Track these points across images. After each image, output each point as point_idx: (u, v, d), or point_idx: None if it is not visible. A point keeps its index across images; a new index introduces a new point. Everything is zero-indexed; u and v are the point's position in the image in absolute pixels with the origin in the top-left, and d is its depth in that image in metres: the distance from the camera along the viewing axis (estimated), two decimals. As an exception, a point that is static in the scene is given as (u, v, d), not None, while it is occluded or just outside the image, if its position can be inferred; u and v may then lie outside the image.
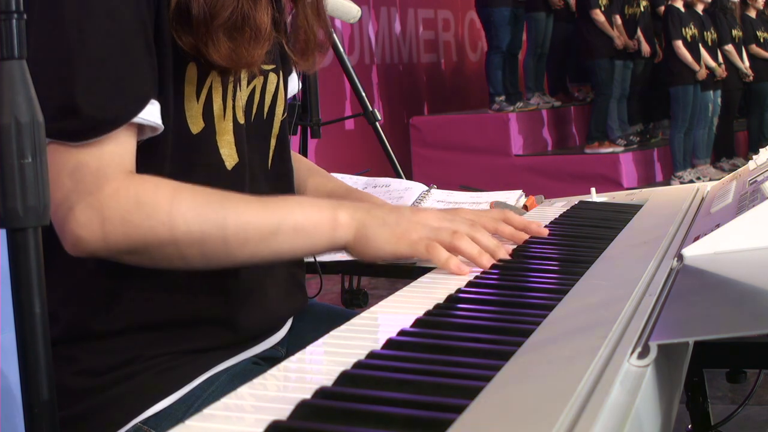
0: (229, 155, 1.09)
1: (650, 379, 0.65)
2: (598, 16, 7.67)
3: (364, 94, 3.25)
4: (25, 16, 0.82)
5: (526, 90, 8.40)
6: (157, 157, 1.02)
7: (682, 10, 7.67)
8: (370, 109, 3.23)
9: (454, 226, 1.06)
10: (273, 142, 1.19)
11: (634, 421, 0.59)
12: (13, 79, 0.83)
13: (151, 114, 0.98)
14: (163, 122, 1.01)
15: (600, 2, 7.66)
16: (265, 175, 1.17)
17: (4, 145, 0.83)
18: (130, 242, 0.96)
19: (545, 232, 1.18)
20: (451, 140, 7.91)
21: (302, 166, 1.37)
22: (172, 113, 1.02)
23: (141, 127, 1.00)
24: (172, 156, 1.02)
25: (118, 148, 0.97)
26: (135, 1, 0.97)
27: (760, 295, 0.78)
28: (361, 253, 1.06)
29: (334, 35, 2.80)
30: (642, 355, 0.66)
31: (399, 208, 1.09)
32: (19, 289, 0.85)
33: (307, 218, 1.03)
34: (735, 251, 0.93)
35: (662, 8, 7.93)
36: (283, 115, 1.20)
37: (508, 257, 1.07)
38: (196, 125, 1.05)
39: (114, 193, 0.95)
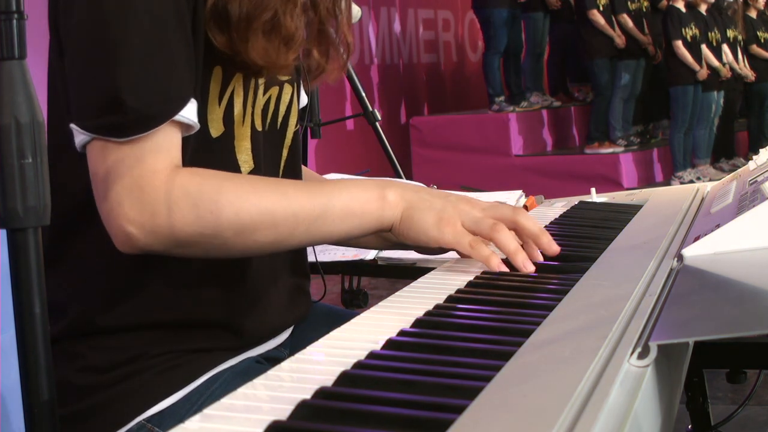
0: (245, 161, 1.08)
1: (650, 380, 0.65)
2: (595, 16, 7.65)
3: (364, 95, 3.25)
4: (25, 17, 0.82)
5: (526, 90, 8.39)
6: None
7: (683, 10, 7.66)
8: (370, 109, 3.23)
9: (497, 214, 1.05)
10: (285, 152, 1.18)
11: (633, 421, 0.59)
12: (13, 79, 0.83)
13: (191, 112, 0.98)
14: None
15: (598, 2, 7.65)
16: None
17: (4, 145, 0.83)
18: (180, 234, 0.95)
19: (556, 249, 1.07)
20: (451, 140, 7.91)
21: (309, 176, 1.37)
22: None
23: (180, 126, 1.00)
24: (190, 159, 1.02)
25: (165, 143, 0.96)
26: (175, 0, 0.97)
27: (760, 295, 0.78)
28: (403, 235, 1.04)
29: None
30: (642, 356, 0.66)
31: (445, 193, 1.07)
32: (19, 289, 0.85)
33: (354, 198, 1.03)
34: (735, 251, 0.93)
35: (664, 2, 7.91)
36: (295, 127, 1.20)
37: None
38: (216, 129, 1.05)
39: (161, 186, 0.94)
